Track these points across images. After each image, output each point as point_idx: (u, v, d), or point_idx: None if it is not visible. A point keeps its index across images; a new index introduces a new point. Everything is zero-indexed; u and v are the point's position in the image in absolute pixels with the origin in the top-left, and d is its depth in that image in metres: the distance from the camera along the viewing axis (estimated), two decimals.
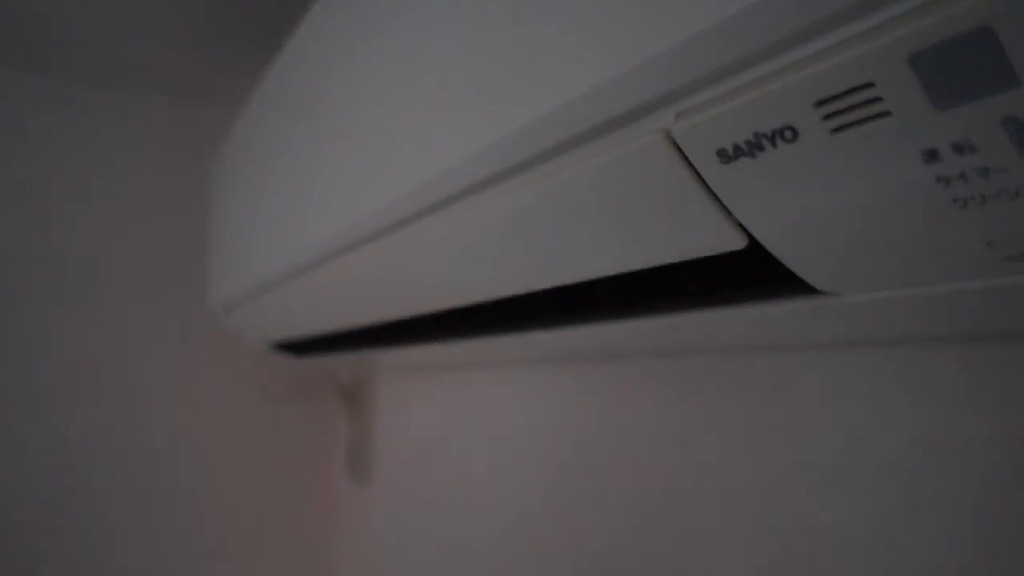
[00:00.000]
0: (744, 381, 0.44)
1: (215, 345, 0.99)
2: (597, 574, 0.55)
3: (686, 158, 0.21)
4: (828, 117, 0.17)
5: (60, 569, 0.87)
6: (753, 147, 0.19)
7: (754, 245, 0.23)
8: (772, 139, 0.19)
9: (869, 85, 0.16)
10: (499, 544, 0.68)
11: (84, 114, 0.96)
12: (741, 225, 0.23)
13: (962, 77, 0.15)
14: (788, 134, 0.18)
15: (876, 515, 0.37)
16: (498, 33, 0.26)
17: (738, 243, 0.24)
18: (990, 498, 0.32)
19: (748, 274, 0.26)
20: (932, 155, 0.17)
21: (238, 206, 0.68)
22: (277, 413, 1.06)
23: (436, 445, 0.82)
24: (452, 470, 0.78)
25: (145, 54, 0.90)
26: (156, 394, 0.97)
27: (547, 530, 0.61)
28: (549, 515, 0.61)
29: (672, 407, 0.49)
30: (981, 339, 0.32)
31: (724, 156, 0.20)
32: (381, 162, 0.35)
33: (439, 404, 0.82)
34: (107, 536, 0.91)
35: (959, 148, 0.16)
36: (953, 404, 0.34)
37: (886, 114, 0.17)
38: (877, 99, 0.16)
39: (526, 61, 0.24)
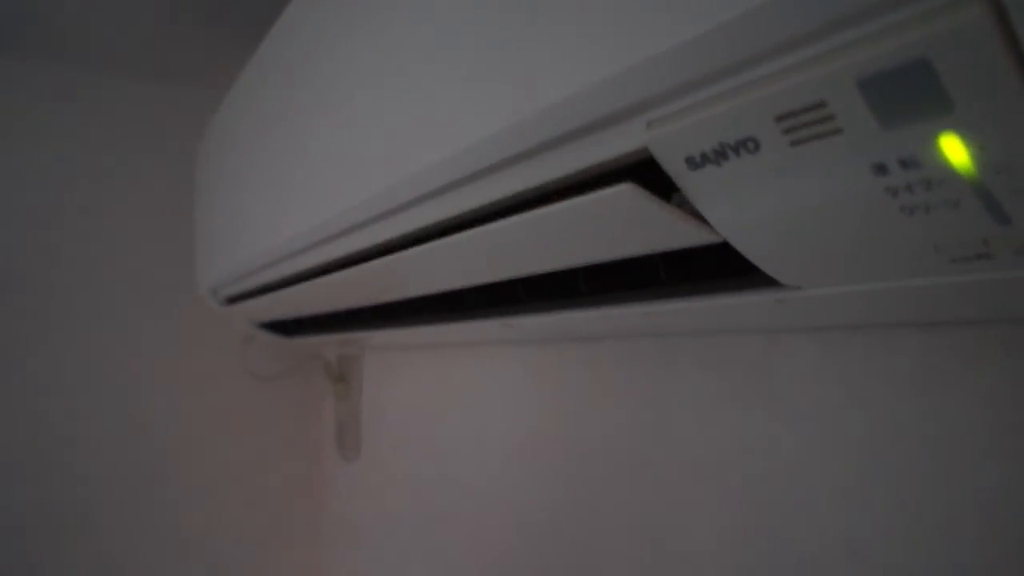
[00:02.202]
0: (721, 361, 0.45)
1: (204, 325, 1.00)
2: (578, 546, 0.57)
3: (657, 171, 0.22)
4: (787, 131, 0.19)
5: (50, 541, 0.89)
6: (719, 156, 0.20)
7: (723, 242, 0.25)
8: (736, 149, 0.20)
9: (823, 104, 0.18)
10: (483, 517, 0.70)
11: (73, 97, 0.95)
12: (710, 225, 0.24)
13: (904, 101, 0.16)
14: (751, 145, 0.20)
15: (842, 491, 0.39)
16: (474, 40, 0.26)
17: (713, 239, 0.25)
18: (947, 475, 0.34)
19: (719, 267, 0.28)
20: (881, 168, 0.18)
21: (224, 190, 0.68)
22: (266, 391, 1.07)
23: (422, 421, 0.84)
24: (438, 446, 0.80)
25: (135, 36, 0.88)
26: (145, 373, 0.97)
27: (530, 503, 0.63)
28: (532, 488, 0.63)
29: (652, 384, 0.51)
30: (941, 324, 0.34)
31: (692, 163, 0.21)
32: (357, 154, 0.36)
33: (426, 381, 0.84)
34: (96, 512, 0.92)
35: (904, 163, 0.18)
36: (915, 384, 0.35)
37: (839, 131, 0.18)
38: (831, 117, 0.18)
39: (511, 62, 0.25)
